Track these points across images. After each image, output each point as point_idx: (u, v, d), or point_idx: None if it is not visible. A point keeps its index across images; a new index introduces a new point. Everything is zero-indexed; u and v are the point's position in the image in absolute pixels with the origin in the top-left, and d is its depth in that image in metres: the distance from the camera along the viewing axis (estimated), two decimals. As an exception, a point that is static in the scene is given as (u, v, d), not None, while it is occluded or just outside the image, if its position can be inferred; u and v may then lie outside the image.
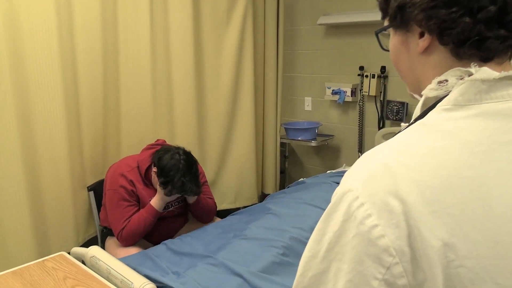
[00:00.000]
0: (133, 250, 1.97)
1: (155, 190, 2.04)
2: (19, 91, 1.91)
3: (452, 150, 0.48)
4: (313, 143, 3.13)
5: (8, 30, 1.84)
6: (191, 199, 2.12)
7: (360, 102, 3.09)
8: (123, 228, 1.96)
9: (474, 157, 0.47)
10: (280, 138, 3.31)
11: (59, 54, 2.03)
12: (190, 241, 1.87)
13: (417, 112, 0.59)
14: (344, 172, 2.47)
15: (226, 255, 1.64)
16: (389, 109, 2.91)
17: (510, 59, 0.56)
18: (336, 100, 3.17)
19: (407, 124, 0.63)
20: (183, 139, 2.64)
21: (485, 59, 0.55)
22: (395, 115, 2.88)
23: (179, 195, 2.04)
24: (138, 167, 2.05)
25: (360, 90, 3.05)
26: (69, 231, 2.20)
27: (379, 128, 3.00)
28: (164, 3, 2.47)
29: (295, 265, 1.64)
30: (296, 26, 3.35)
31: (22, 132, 1.94)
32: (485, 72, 0.52)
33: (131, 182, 2.00)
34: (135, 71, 2.40)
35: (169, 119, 2.62)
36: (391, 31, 0.65)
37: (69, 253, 1.56)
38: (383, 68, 2.91)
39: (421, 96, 0.59)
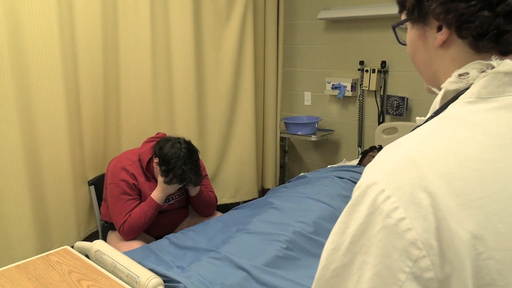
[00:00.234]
0: (135, 244, 1.96)
1: (156, 183, 2.04)
2: (20, 87, 1.90)
3: (478, 143, 0.48)
4: (313, 138, 3.13)
5: (9, 21, 1.83)
6: (193, 191, 2.12)
7: (360, 97, 3.09)
8: (124, 222, 1.96)
9: (500, 150, 0.48)
10: (280, 132, 3.31)
11: (60, 49, 2.01)
12: (192, 235, 1.87)
13: (435, 105, 0.59)
14: (345, 166, 2.47)
15: (229, 249, 1.64)
16: (389, 104, 2.91)
17: None
18: (336, 95, 3.17)
19: (425, 118, 0.62)
20: (183, 134, 2.63)
21: (504, 52, 0.55)
22: (395, 110, 2.88)
23: (180, 187, 2.03)
24: (139, 160, 2.05)
25: (360, 85, 3.05)
26: (71, 225, 2.19)
27: (379, 123, 3.01)
28: (165, -3, 2.46)
29: (299, 259, 1.65)
30: (296, 21, 3.34)
31: (23, 127, 1.93)
32: (508, 64, 0.52)
33: (133, 176, 1.99)
34: (135, 66, 2.39)
35: (169, 114, 2.61)
36: (408, 25, 0.65)
37: (72, 247, 1.55)
38: (383, 63, 2.91)
39: (439, 89, 0.59)
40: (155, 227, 2.10)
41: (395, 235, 0.45)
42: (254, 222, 1.83)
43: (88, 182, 2.31)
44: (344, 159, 3.15)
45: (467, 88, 0.55)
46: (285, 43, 3.31)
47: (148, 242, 2.02)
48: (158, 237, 2.08)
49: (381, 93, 2.98)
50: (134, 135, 2.45)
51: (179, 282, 1.39)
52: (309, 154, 3.52)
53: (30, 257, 1.48)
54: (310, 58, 3.33)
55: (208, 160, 2.84)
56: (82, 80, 2.18)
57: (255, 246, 1.67)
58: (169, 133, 2.53)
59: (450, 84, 0.57)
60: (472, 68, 0.55)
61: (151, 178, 2.05)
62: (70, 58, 2.10)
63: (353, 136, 3.21)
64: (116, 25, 2.29)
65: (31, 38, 1.92)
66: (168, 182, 1.95)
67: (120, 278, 1.33)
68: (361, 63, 3.03)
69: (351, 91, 3.08)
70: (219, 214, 2.29)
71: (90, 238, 2.36)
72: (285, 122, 3.24)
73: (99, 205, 2.30)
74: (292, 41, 3.39)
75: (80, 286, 1.28)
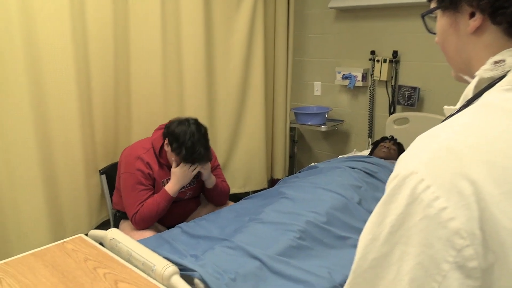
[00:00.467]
0: (147, 233, 1.97)
1: (170, 171, 2.05)
2: (33, 78, 1.91)
3: None
4: (323, 128, 3.11)
5: (21, 13, 1.82)
6: (209, 184, 2.14)
7: (370, 87, 3.07)
8: (136, 212, 1.96)
9: None
10: (290, 122, 3.30)
11: (72, 37, 2.01)
12: (205, 224, 1.88)
13: (468, 93, 0.58)
14: (356, 157, 2.46)
15: (243, 238, 1.64)
16: (400, 94, 2.89)
17: None
18: (346, 85, 3.14)
19: (454, 107, 0.61)
20: (193, 123, 2.63)
21: None
22: (406, 100, 2.86)
23: (193, 173, 2.03)
24: (153, 147, 2.05)
25: (371, 75, 3.03)
26: (83, 214, 2.21)
27: (390, 114, 2.99)
28: (176, -15, 2.44)
29: (312, 249, 1.65)
30: (307, 10, 3.31)
31: (36, 117, 1.94)
32: None
33: (148, 165, 2.00)
34: (145, 54, 2.39)
35: (179, 103, 2.61)
36: (438, 12, 0.64)
37: (86, 235, 1.56)
38: (395, 53, 2.88)
39: (472, 77, 0.58)
40: (167, 216, 2.11)
41: (437, 224, 0.45)
42: (267, 212, 1.83)
43: (100, 171, 2.32)
44: (355, 149, 3.14)
45: (502, 76, 0.54)
46: (295, 32, 3.28)
47: (159, 231, 2.03)
48: (169, 226, 2.08)
49: (392, 83, 2.96)
50: (145, 125, 2.45)
51: (193, 271, 1.39)
52: (319, 145, 3.51)
53: (42, 245, 1.49)
54: (320, 48, 3.30)
55: (218, 150, 2.83)
56: (92, 70, 2.18)
57: (268, 236, 1.67)
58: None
59: (485, 71, 0.56)
60: (509, 55, 0.54)
61: (164, 166, 2.06)
62: (81, 49, 2.09)
63: (363, 127, 3.19)
64: (126, 12, 2.28)
65: (44, 24, 1.92)
66: (180, 159, 1.96)
67: (136, 266, 1.34)
68: (372, 52, 3.00)
69: (362, 81, 3.05)
70: (231, 203, 2.30)
71: (101, 226, 2.38)
72: (294, 112, 3.23)
73: (111, 194, 2.30)
74: (303, 30, 3.36)
75: (96, 273, 1.28)
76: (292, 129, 3.43)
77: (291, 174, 2.86)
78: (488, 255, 0.44)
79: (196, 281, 1.37)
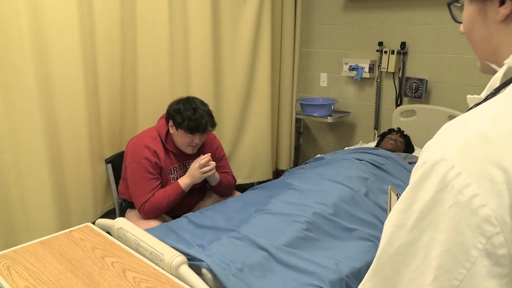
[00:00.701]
0: (153, 223, 1.97)
1: (176, 159, 2.05)
2: (40, 69, 1.90)
3: None
4: (329, 120, 3.10)
5: (30, 11, 1.82)
6: (213, 181, 2.13)
7: (378, 78, 3.04)
8: (146, 201, 1.96)
9: None
10: (295, 113, 3.28)
11: (79, 28, 2.00)
12: (211, 214, 1.87)
13: (495, 82, 0.57)
14: (363, 149, 2.44)
15: (249, 229, 1.64)
16: (407, 86, 2.87)
17: None
18: (353, 77, 3.12)
19: (478, 95, 0.60)
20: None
21: None
22: (413, 92, 2.84)
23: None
24: (158, 135, 2.05)
25: (378, 67, 3.00)
26: (88, 203, 2.21)
27: (397, 106, 2.97)
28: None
29: (319, 240, 1.64)
30: (314, 0, 3.27)
31: (43, 105, 1.94)
32: None
33: (155, 153, 1.99)
34: (152, 45, 2.38)
35: (185, 93, 2.59)
36: (465, 1, 0.63)
37: (93, 224, 1.56)
38: (403, 44, 2.85)
39: (500, 66, 0.57)
40: (173, 207, 2.11)
41: (468, 211, 0.44)
42: (273, 203, 1.82)
43: (105, 160, 2.32)
44: (361, 141, 3.13)
45: None
46: (302, 23, 3.26)
47: (165, 221, 2.03)
48: (175, 216, 2.08)
49: (400, 75, 2.93)
50: (151, 114, 2.45)
51: (201, 261, 1.39)
52: (324, 136, 3.50)
53: (49, 233, 1.49)
54: (327, 39, 3.27)
55: (223, 140, 2.83)
56: (99, 58, 2.17)
57: (275, 227, 1.66)
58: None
59: None
60: None
61: (171, 153, 2.05)
62: (88, 38, 2.08)
63: (370, 119, 3.17)
64: (133, 3, 2.26)
65: (52, 24, 1.91)
66: (185, 129, 1.95)
67: (144, 256, 1.34)
68: (380, 44, 2.97)
69: (369, 72, 3.03)
70: (237, 193, 2.30)
71: (107, 215, 2.38)
72: (301, 103, 3.21)
73: (116, 183, 2.30)
74: (310, 21, 3.33)
75: (104, 262, 1.28)
76: (298, 120, 3.41)
77: (296, 166, 2.85)
78: None
79: (204, 271, 1.36)
